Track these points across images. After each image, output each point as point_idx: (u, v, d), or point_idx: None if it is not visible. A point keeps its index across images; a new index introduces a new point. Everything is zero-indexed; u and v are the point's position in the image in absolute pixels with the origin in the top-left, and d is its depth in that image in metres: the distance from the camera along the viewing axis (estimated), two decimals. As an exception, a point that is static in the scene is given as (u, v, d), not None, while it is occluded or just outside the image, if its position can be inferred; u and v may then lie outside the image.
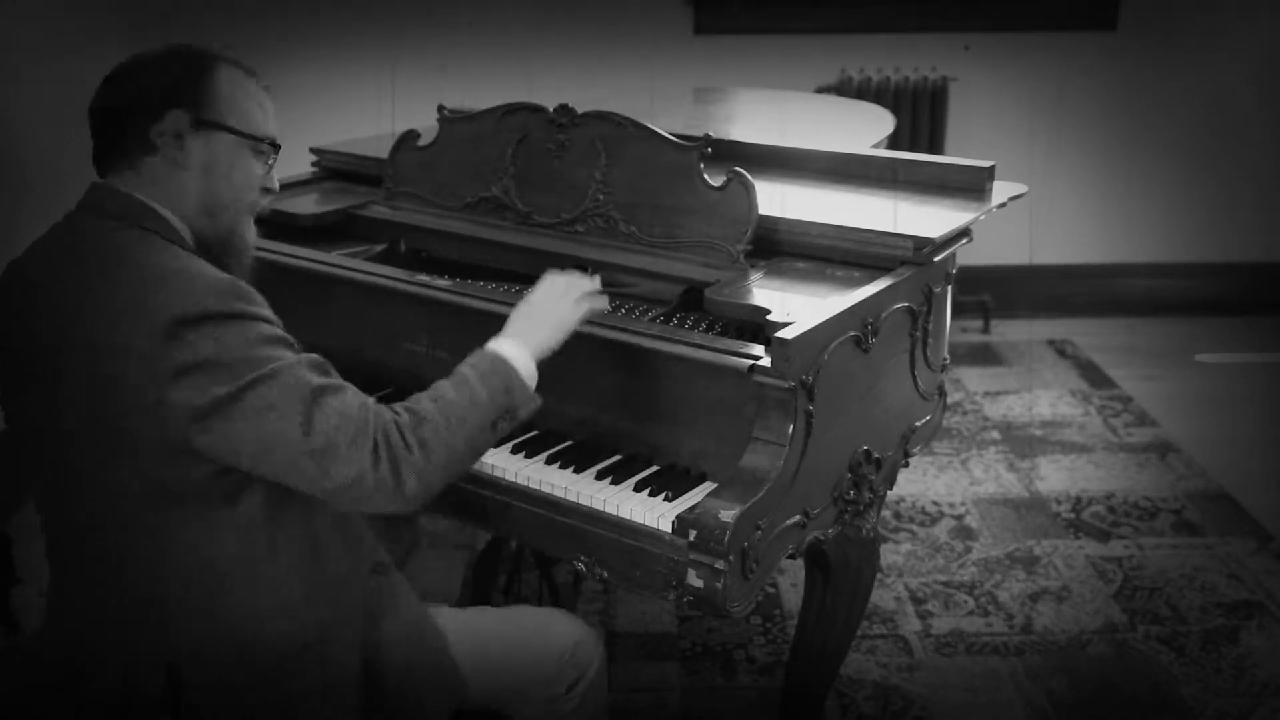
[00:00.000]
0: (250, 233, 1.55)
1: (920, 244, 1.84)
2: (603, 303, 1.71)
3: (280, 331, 1.39)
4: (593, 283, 1.70)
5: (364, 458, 1.36)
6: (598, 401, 1.78)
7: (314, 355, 1.42)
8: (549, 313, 1.64)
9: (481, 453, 1.52)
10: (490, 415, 1.49)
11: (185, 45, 1.50)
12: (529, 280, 2.00)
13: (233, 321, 1.33)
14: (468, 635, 1.64)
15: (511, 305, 1.67)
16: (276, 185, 1.58)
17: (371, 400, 1.42)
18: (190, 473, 1.36)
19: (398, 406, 1.45)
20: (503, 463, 1.73)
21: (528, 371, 1.55)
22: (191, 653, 1.41)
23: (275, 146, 1.54)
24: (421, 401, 1.46)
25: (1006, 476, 3.36)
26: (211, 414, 1.31)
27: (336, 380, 1.41)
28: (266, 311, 1.39)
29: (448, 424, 1.44)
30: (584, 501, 1.64)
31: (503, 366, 1.53)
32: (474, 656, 1.62)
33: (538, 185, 2.04)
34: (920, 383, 1.96)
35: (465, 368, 1.53)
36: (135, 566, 1.41)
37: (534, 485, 1.70)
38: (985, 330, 4.52)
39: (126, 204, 1.43)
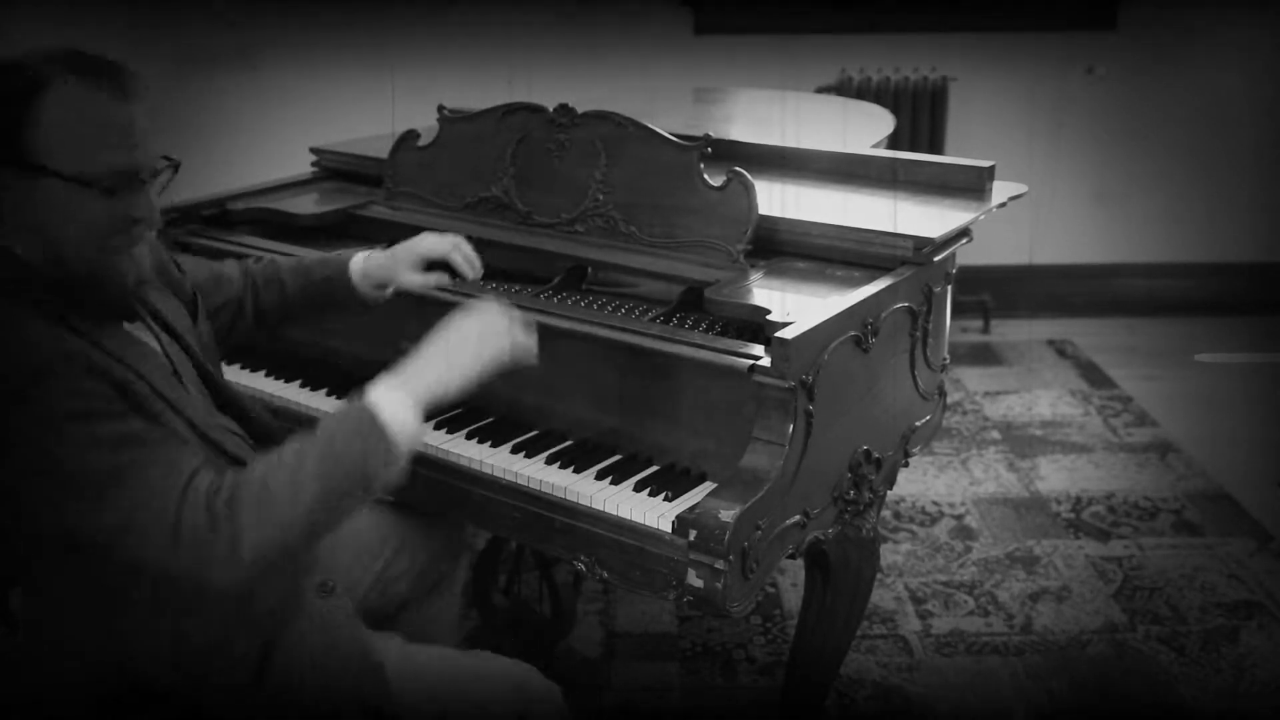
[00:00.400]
0: (130, 264, 1.33)
1: (920, 244, 1.84)
2: (529, 352, 1.52)
3: (82, 403, 1.22)
4: (524, 319, 1.52)
5: (162, 546, 1.21)
6: (598, 401, 1.78)
7: (123, 428, 1.24)
8: (457, 351, 1.43)
9: (336, 523, 1.31)
10: (341, 487, 1.28)
11: (13, 64, 1.27)
12: (530, 280, 2.01)
13: (16, 404, 1.20)
14: (413, 670, 1.52)
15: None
16: (152, 214, 1.33)
17: (190, 473, 1.25)
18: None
19: (228, 479, 1.26)
20: (502, 462, 1.73)
21: (402, 427, 1.32)
22: (91, 680, 1.41)
23: (126, 176, 1.27)
24: (254, 471, 1.27)
25: (1006, 476, 3.36)
26: (19, 500, 1.24)
27: (140, 455, 1.24)
28: (73, 383, 1.21)
29: (273, 501, 1.24)
30: (584, 501, 1.64)
31: (367, 426, 1.31)
32: (414, 694, 1.50)
33: (538, 185, 2.04)
34: (920, 382, 1.96)
35: (330, 422, 1.33)
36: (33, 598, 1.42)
37: (534, 485, 1.69)
38: (985, 330, 4.52)
39: None
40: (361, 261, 1.83)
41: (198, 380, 1.51)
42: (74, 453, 1.22)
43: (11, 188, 1.27)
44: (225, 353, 1.79)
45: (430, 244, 1.74)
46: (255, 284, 1.83)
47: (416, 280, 1.80)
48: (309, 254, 1.90)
